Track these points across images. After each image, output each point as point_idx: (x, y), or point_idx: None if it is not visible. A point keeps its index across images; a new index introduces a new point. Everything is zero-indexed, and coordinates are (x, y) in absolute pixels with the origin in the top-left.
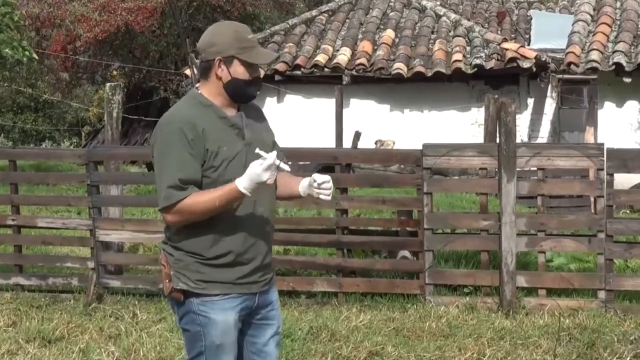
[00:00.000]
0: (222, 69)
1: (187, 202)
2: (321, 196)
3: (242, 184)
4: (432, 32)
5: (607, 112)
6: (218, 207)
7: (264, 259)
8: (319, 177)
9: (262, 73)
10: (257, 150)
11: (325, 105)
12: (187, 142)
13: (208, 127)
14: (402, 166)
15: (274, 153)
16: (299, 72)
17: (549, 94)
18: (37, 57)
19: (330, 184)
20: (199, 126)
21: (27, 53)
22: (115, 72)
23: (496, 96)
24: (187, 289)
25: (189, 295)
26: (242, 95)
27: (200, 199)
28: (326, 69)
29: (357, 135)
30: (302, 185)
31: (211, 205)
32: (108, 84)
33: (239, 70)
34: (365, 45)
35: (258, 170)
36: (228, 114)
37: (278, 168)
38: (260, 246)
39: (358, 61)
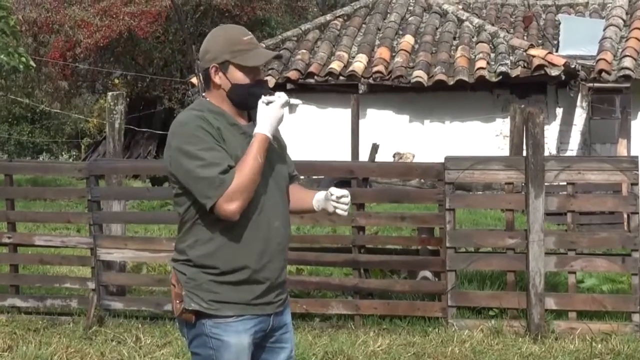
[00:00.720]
0: (220, 76)
1: (236, 180)
2: (338, 210)
3: (266, 129)
4: (454, 38)
5: None
6: (261, 164)
7: (279, 277)
8: (337, 191)
9: (272, 80)
10: (263, 99)
11: (340, 115)
12: (211, 136)
13: (222, 129)
14: (422, 181)
15: (283, 93)
16: (312, 81)
17: (578, 103)
18: (34, 65)
19: (349, 199)
20: (214, 124)
21: (23, 60)
22: (117, 81)
23: (522, 106)
24: (199, 310)
25: (201, 316)
26: (247, 101)
27: (244, 169)
28: (341, 77)
29: (375, 148)
30: (317, 199)
31: (256, 166)
32: (110, 93)
33: (237, 76)
34: (382, 52)
35: (275, 111)
36: (240, 122)
37: (290, 105)
38: (276, 263)
39: (375, 69)
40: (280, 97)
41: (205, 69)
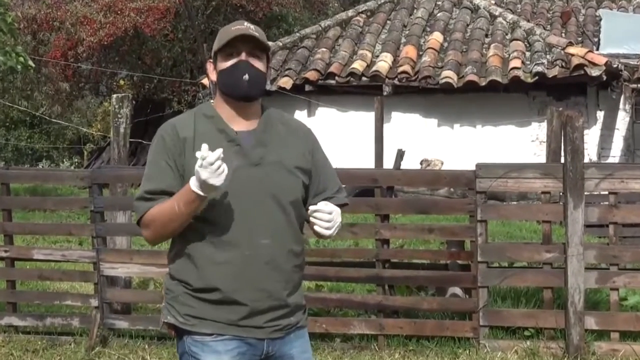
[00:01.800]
0: (214, 71)
1: (151, 212)
2: (316, 227)
3: (192, 182)
4: (486, 35)
5: None
6: (179, 213)
7: (274, 301)
8: (311, 207)
9: (289, 82)
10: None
11: (363, 119)
12: (164, 150)
13: (197, 137)
14: (451, 190)
15: (218, 150)
16: (332, 82)
17: (621, 106)
18: (33, 65)
19: (330, 217)
20: (181, 134)
21: (22, 60)
22: (122, 82)
23: (560, 109)
24: (175, 324)
25: (181, 332)
26: (232, 87)
27: (161, 207)
28: (364, 78)
29: (400, 154)
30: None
31: (170, 211)
32: (114, 96)
33: (221, 65)
34: (409, 51)
35: (197, 167)
36: (236, 127)
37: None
38: (261, 285)
39: (401, 69)
40: (202, 153)
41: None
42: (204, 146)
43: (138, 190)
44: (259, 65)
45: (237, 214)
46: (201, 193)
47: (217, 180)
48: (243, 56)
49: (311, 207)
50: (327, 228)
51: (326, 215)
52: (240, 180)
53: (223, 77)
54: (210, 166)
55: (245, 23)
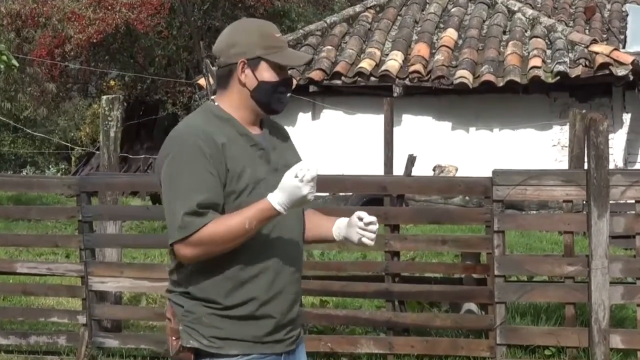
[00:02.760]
0: (247, 73)
1: (209, 229)
2: (364, 239)
3: (277, 199)
4: (504, 32)
5: None
6: (248, 232)
7: (290, 312)
8: (366, 216)
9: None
10: (298, 170)
11: (371, 122)
12: (205, 158)
13: (230, 142)
14: (466, 198)
15: (314, 162)
16: (339, 82)
17: None
18: (17, 64)
19: (377, 226)
20: (217, 140)
21: (4, 59)
22: (112, 82)
23: (584, 111)
24: (199, 348)
25: (201, 355)
26: (272, 102)
27: (225, 224)
28: (373, 78)
29: (411, 160)
30: (339, 226)
31: (240, 230)
32: (104, 97)
33: (266, 74)
34: (421, 49)
35: (297, 182)
36: (252, 132)
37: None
38: (287, 295)
39: (412, 68)
40: (310, 168)
41: (229, 64)
42: (303, 164)
43: (177, 202)
44: None
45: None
46: (284, 211)
47: (313, 195)
48: (287, 72)
49: (363, 217)
50: (372, 239)
51: (375, 227)
52: (267, 187)
53: (267, 89)
54: (313, 181)
55: (276, 28)
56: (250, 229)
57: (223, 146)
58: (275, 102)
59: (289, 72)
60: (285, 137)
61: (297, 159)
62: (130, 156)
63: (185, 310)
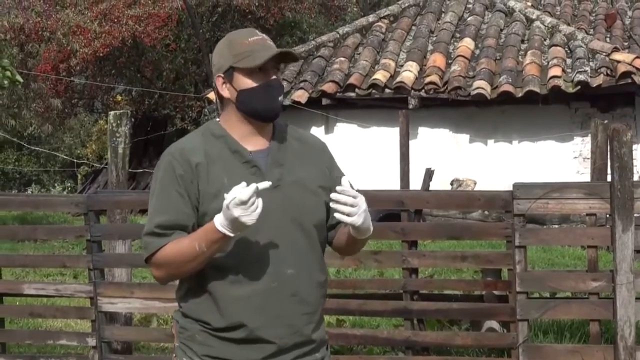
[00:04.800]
0: (227, 87)
1: (165, 250)
2: (336, 214)
3: (219, 220)
4: (523, 41)
5: None
6: (200, 253)
7: (300, 337)
8: (344, 184)
9: (305, 95)
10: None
11: (386, 135)
12: (175, 178)
13: (210, 161)
14: (486, 213)
15: (252, 186)
16: (352, 94)
17: None
18: (21, 80)
19: (355, 201)
20: (192, 159)
21: (8, 75)
22: (119, 97)
23: (606, 121)
24: None
25: None
26: (258, 109)
27: (178, 246)
28: (387, 90)
29: (429, 174)
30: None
31: (191, 252)
32: (111, 113)
33: (243, 82)
34: (436, 59)
35: (226, 202)
36: (250, 147)
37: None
38: (287, 320)
39: (428, 79)
40: (235, 190)
41: (215, 85)
42: (240, 186)
43: (144, 223)
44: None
45: (258, 244)
46: (229, 233)
47: (250, 219)
48: (272, 75)
49: (336, 189)
50: (349, 214)
51: (349, 199)
52: (272, 205)
53: (249, 97)
54: (243, 204)
55: (258, 32)
56: (202, 251)
57: (197, 166)
58: (262, 107)
59: (300, 86)
60: (308, 151)
61: (317, 178)
62: (139, 170)
63: (180, 327)
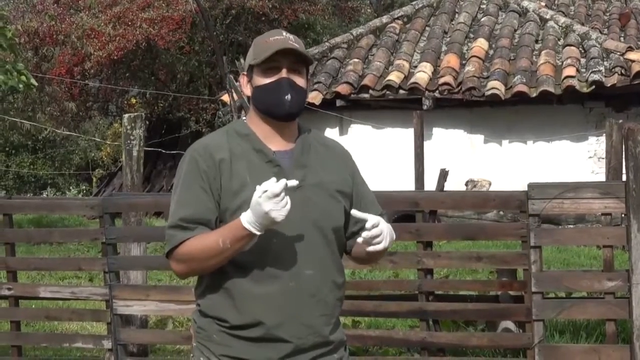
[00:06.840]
0: (249, 84)
1: (188, 244)
2: (370, 247)
3: (246, 217)
4: (537, 41)
5: None
6: (224, 250)
7: (318, 338)
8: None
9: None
10: (261, 187)
11: (401, 136)
12: (199, 174)
13: (234, 159)
14: (501, 213)
15: (282, 181)
16: (366, 95)
17: None
18: (35, 84)
19: (378, 232)
20: (216, 156)
21: (23, 78)
22: (134, 100)
23: (620, 121)
24: None
25: None
26: (269, 107)
27: (202, 241)
28: (401, 91)
29: (443, 175)
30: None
31: (214, 248)
32: (126, 115)
33: (258, 80)
34: (450, 60)
35: (256, 198)
36: (274, 147)
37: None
38: (308, 319)
39: (442, 80)
40: (268, 184)
41: (240, 83)
42: (271, 180)
43: (160, 226)
44: (300, 81)
45: (278, 243)
46: (255, 231)
47: (280, 215)
48: (284, 73)
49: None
50: (378, 243)
51: (376, 231)
52: (293, 206)
53: (261, 94)
54: (275, 197)
55: (284, 33)
56: (226, 248)
57: (220, 162)
58: (272, 105)
59: (314, 88)
60: (331, 157)
61: (336, 180)
62: (155, 170)
63: (197, 326)
